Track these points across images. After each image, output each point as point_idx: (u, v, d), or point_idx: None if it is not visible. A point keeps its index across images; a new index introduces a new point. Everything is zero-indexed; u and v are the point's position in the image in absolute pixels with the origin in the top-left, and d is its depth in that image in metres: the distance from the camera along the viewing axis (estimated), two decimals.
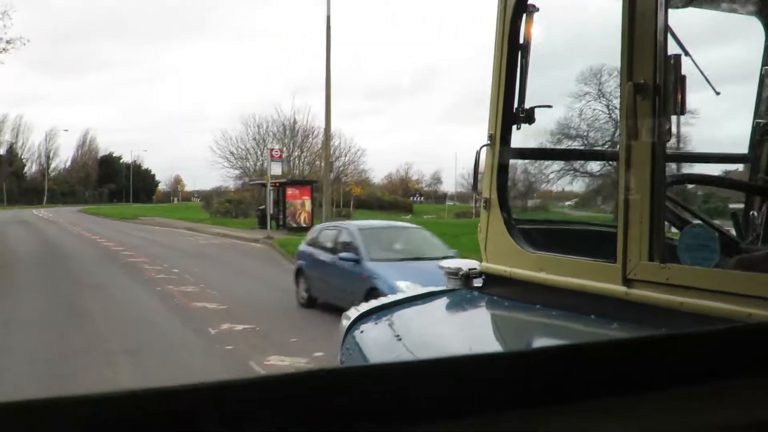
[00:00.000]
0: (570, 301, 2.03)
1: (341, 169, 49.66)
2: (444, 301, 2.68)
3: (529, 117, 2.46)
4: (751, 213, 2.74)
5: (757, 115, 2.94)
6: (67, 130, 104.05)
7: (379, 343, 2.28)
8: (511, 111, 2.45)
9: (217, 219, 41.00)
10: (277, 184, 29.99)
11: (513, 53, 2.44)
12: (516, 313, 2.34)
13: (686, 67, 2.09)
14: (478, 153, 2.55)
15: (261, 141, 48.20)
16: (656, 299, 1.71)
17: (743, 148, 2.95)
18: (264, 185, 30.28)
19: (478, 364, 0.76)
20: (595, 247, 2.17)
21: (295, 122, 46.91)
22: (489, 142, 2.50)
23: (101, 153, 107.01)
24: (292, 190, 30.83)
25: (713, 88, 2.52)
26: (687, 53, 2.30)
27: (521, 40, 2.44)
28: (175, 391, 0.60)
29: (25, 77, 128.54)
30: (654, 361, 0.80)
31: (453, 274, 2.75)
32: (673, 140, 1.88)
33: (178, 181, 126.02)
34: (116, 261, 19.28)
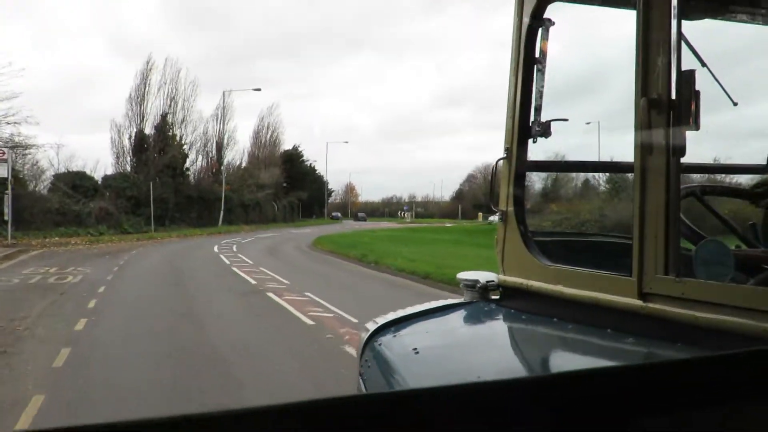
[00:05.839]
0: (586, 315, 2.03)
1: None
2: (462, 313, 2.69)
3: (545, 131, 2.47)
4: None
5: None
6: (259, 89, 57.14)
7: (397, 356, 2.30)
8: (527, 125, 2.47)
9: None
10: None
11: (528, 67, 2.46)
12: (533, 326, 2.34)
13: (703, 78, 2.08)
14: (494, 166, 2.58)
15: None
16: (672, 313, 1.71)
17: (761, 159, 2.93)
18: None
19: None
20: (611, 260, 2.17)
21: None
22: (505, 155, 2.51)
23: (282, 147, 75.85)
24: None
25: (731, 99, 2.52)
26: (704, 64, 2.30)
27: (537, 54, 2.46)
28: None
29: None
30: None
31: (470, 286, 2.76)
32: (689, 153, 1.88)
33: (351, 189, 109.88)
34: None
